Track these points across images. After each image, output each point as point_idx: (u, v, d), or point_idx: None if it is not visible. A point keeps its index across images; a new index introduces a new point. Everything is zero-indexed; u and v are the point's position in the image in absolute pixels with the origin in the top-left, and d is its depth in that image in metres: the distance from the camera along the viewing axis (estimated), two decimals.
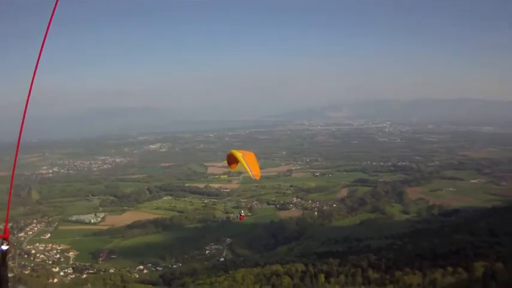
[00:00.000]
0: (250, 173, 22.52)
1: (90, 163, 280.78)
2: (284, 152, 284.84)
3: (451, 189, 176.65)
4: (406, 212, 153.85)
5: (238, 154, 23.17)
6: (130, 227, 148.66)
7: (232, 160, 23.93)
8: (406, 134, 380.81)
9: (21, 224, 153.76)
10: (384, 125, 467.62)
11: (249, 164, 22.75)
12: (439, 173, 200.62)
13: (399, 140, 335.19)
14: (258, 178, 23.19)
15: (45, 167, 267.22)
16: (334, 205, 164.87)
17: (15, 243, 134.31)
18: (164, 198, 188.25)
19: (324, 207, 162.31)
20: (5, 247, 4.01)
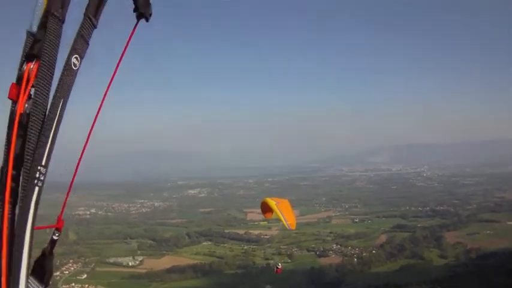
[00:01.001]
0: (284, 223, 21.68)
1: (129, 206, 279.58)
2: (323, 199, 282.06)
3: (488, 232, 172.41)
4: (444, 257, 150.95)
5: (272, 202, 22.33)
6: (169, 271, 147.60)
7: (266, 208, 23.06)
8: (444, 178, 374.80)
9: (57, 263, 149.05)
10: (422, 169, 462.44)
11: (283, 212, 21.89)
12: (476, 216, 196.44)
13: (437, 184, 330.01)
14: (293, 228, 22.27)
15: (82, 208, 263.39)
16: (374, 251, 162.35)
17: (50, 283, 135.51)
18: (203, 243, 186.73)
19: (364, 254, 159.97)
20: (56, 237, 4.00)
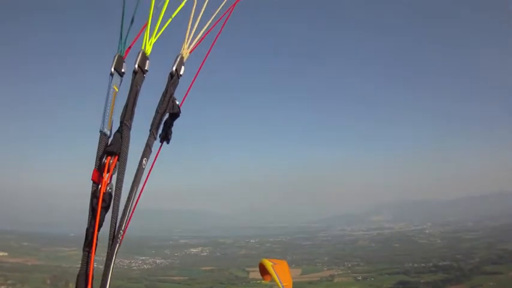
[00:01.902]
0: (279, 285, 21.10)
1: (130, 262, 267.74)
2: (326, 258, 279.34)
3: (491, 283, 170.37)
4: None
5: (268, 264, 21.83)
6: None
7: (264, 270, 22.51)
8: (446, 233, 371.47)
9: None
10: (424, 226, 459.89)
11: (279, 274, 21.29)
12: (479, 269, 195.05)
13: (439, 241, 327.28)
14: None
15: None
16: None
17: None
18: None
19: None
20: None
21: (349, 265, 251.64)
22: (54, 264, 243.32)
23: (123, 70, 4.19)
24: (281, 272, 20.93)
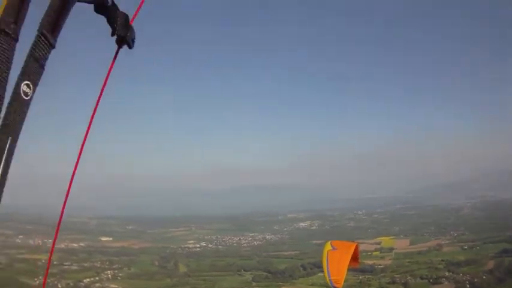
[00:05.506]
0: (326, 277, 19.30)
1: (240, 239, 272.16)
2: (432, 227, 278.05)
3: None
4: None
5: (326, 248, 19.47)
6: None
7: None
8: None
9: None
10: None
11: (331, 263, 19.05)
12: None
13: None
14: (338, 286, 18.54)
15: (191, 241, 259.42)
16: (484, 277, 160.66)
17: None
18: (319, 274, 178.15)
19: (475, 280, 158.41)
20: None
21: (455, 234, 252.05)
22: (161, 246, 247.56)
23: None
24: (335, 260, 19.06)
